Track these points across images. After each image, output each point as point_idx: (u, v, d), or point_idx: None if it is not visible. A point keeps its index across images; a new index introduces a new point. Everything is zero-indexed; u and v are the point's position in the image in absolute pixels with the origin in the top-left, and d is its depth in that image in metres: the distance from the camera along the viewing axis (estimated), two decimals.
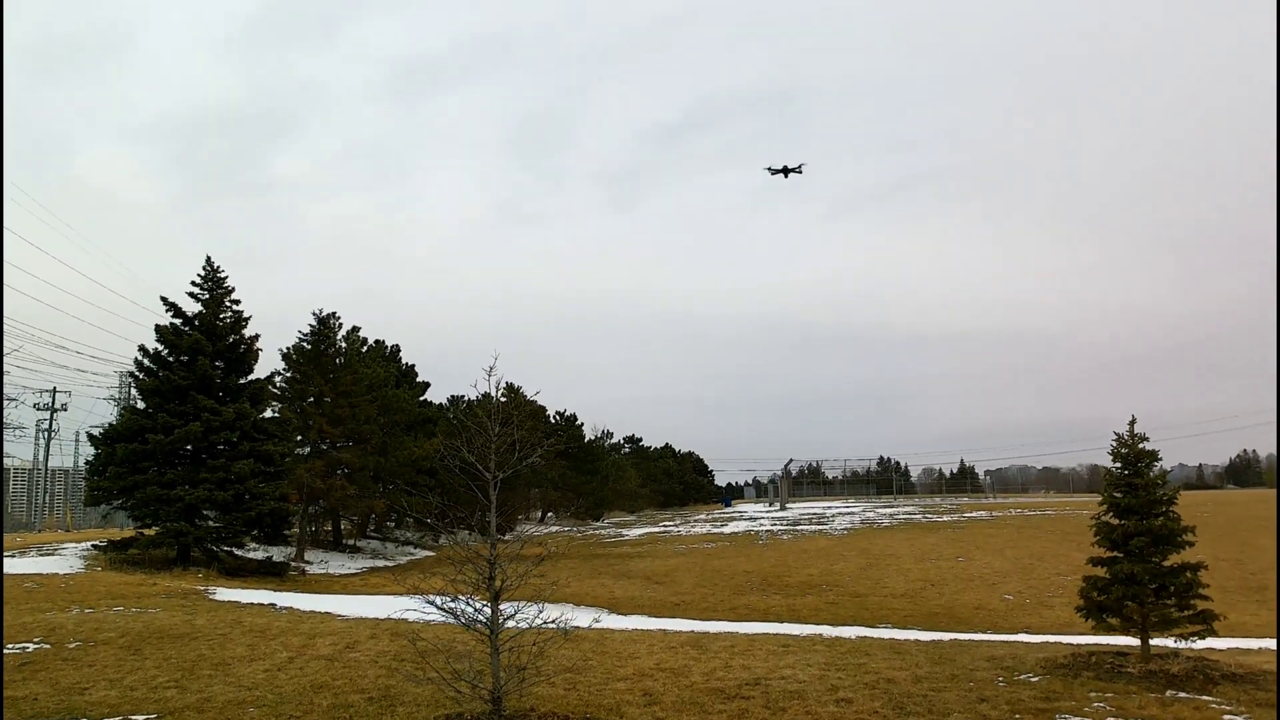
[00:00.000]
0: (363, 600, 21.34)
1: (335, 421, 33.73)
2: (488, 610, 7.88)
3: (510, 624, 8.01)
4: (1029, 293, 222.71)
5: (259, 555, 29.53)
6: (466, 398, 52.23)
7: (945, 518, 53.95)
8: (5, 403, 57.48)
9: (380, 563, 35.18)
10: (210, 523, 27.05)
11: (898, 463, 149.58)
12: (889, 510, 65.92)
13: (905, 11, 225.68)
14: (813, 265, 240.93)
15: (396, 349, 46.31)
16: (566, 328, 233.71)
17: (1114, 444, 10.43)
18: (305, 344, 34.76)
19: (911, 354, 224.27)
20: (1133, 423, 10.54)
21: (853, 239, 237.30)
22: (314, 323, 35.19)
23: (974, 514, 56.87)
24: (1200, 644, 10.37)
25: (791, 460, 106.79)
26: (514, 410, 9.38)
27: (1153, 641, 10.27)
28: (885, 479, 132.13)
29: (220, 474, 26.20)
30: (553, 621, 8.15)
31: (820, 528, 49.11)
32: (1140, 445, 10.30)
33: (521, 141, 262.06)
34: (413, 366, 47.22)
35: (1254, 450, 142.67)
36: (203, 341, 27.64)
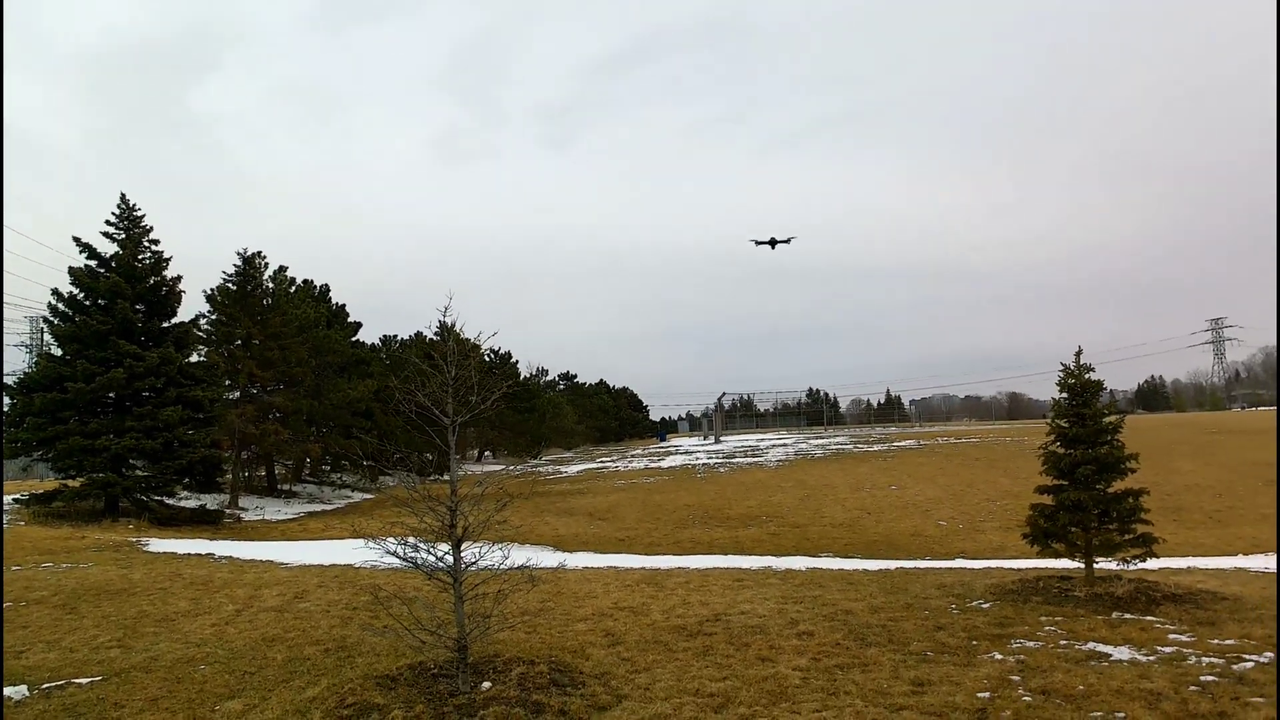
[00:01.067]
0: (305, 546, 20.99)
1: (265, 365, 32.76)
2: (449, 558, 7.71)
3: (472, 570, 7.86)
4: (948, 226, 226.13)
5: (192, 504, 28.78)
6: (399, 337, 51.31)
7: (876, 447, 55.29)
8: None
9: (317, 507, 34.64)
10: (139, 472, 26.19)
11: (827, 394, 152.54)
12: (821, 441, 67.25)
13: None
14: (751, 199, 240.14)
15: (326, 289, 45.03)
16: (502, 265, 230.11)
17: (1061, 374, 10.63)
18: (230, 285, 33.51)
19: (841, 287, 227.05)
20: (1079, 354, 10.75)
21: (790, 174, 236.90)
22: (239, 263, 33.90)
23: (903, 443, 58.37)
24: (1136, 566, 10.77)
25: (724, 394, 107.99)
26: (458, 350, 9.06)
27: (1101, 565, 10.63)
28: (816, 410, 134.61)
29: (147, 422, 25.30)
30: (517, 566, 8.02)
31: (756, 460, 49.90)
32: (1087, 376, 10.52)
33: (456, 76, 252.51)
34: (343, 306, 46.06)
35: (1160, 376, 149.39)
36: (121, 284, 26.40)
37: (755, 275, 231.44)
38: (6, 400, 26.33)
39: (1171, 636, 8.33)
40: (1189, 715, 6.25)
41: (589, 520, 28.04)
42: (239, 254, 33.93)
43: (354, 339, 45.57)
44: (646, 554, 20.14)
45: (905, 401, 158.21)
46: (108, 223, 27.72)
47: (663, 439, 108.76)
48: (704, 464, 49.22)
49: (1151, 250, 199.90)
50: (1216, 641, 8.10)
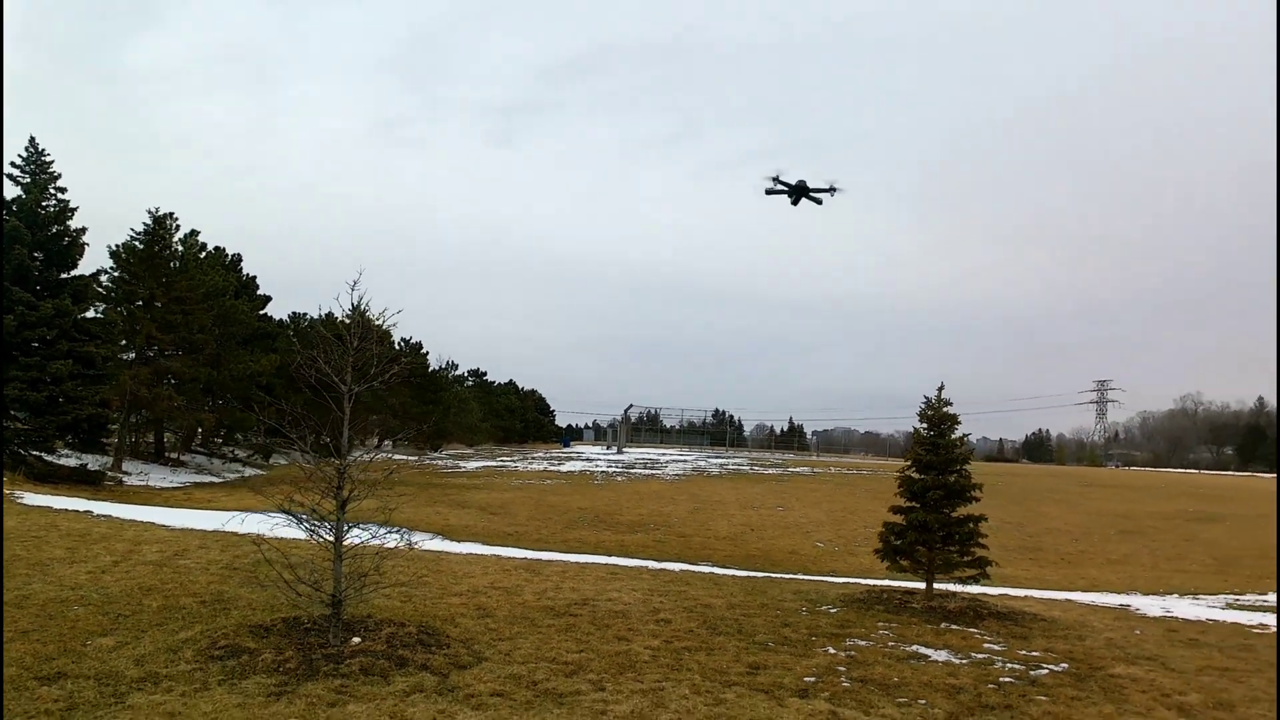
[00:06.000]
0: (188, 513, 20.79)
1: (166, 328, 32.05)
2: (332, 518, 8.12)
3: (353, 537, 8.29)
4: (874, 266, 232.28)
5: (72, 462, 27.97)
6: (309, 315, 50.59)
7: (771, 470, 56.77)
8: None
9: (205, 478, 33.96)
10: (19, 424, 25.41)
11: (732, 416, 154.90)
12: (720, 461, 68.58)
13: None
14: (679, 220, 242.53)
15: (238, 258, 44.11)
16: (430, 255, 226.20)
17: (922, 407, 11.61)
18: (137, 243, 32.65)
19: (761, 314, 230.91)
20: (940, 389, 11.75)
21: (722, 198, 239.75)
22: (149, 222, 33.10)
23: (798, 469, 60.04)
24: (977, 589, 11.81)
25: (632, 406, 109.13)
26: (363, 325, 9.44)
27: (937, 586, 11.61)
28: (720, 431, 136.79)
29: (34, 373, 24.59)
30: (394, 532, 8.49)
31: (654, 472, 50.73)
32: (944, 410, 11.51)
33: (402, 64, 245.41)
34: (254, 278, 45.18)
35: (1047, 429, 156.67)
36: (20, 229, 25.62)
37: (676, 294, 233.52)
38: None
39: (986, 645, 9.28)
40: (980, 705, 7.12)
41: (481, 514, 28.30)
42: (150, 213, 33.11)
43: (262, 312, 44.77)
44: (533, 549, 20.56)
45: (807, 431, 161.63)
46: (13, 164, 26.94)
47: (566, 445, 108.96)
48: (603, 471, 49.82)
49: (1052, 310, 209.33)
50: (1024, 652, 9.08)
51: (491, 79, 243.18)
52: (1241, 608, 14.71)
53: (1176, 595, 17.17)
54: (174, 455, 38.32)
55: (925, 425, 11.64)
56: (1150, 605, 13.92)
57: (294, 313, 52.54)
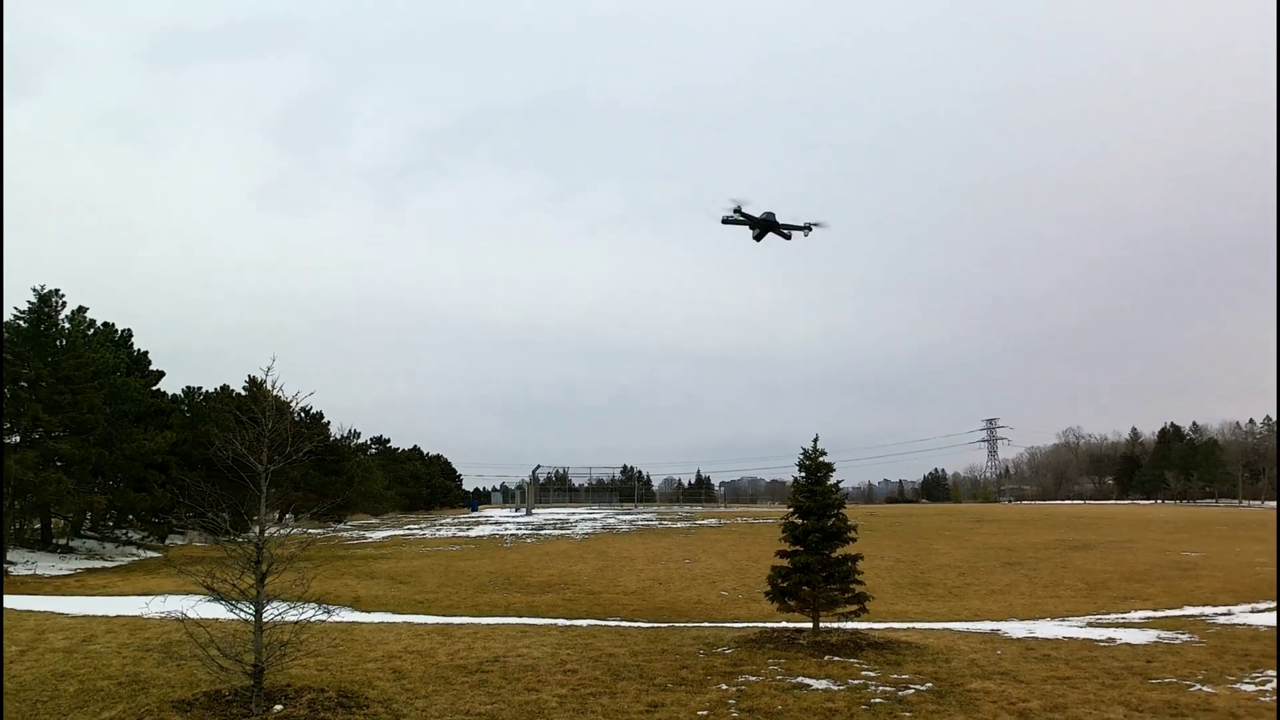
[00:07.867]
0: (86, 600, 20.36)
1: (53, 409, 31.18)
2: (251, 592, 8.60)
3: (271, 610, 8.77)
4: (767, 319, 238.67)
5: None
6: (203, 388, 49.53)
7: (679, 524, 57.70)
8: None
9: (98, 564, 32.81)
10: None
11: (640, 472, 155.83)
12: (629, 517, 69.24)
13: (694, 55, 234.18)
14: (575, 277, 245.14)
15: (129, 334, 43.13)
16: (322, 320, 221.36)
17: (801, 457, 12.72)
18: (21, 322, 31.87)
19: (661, 368, 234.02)
20: (816, 439, 12.90)
21: (616, 256, 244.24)
22: (33, 299, 32.35)
23: (705, 521, 61.16)
24: (866, 625, 12.83)
25: (540, 466, 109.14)
26: (276, 405, 9.94)
27: (825, 624, 12.61)
28: (628, 487, 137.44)
29: None
30: (315, 602, 8.99)
31: (563, 532, 51.04)
32: (820, 458, 12.64)
33: (287, 128, 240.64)
34: (145, 354, 44.15)
35: (943, 468, 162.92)
36: None
37: (579, 352, 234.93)
38: None
39: (863, 673, 10.27)
40: None
41: (390, 583, 28.26)
42: (34, 290, 32.43)
43: (155, 388, 43.72)
44: (443, 615, 20.82)
45: (715, 483, 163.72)
46: None
47: (474, 509, 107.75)
48: (512, 534, 49.87)
49: (941, 356, 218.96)
50: (895, 676, 10.09)
51: (377, 143, 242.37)
52: (1101, 625, 16.16)
53: (1048, 619, 18.63)
54: (61, 541, 36.83)
55: (804, 474, 12.73)
56: (1018, 629, 15.22)
57: (188, 387, 51.23)
